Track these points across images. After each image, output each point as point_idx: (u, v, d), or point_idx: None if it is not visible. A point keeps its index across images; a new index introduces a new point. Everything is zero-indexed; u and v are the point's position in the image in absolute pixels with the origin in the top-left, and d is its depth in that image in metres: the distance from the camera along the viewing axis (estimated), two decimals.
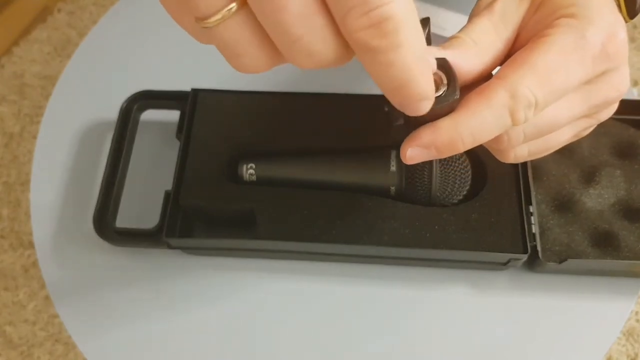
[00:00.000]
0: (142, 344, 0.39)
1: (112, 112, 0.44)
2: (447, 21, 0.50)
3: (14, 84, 1.09)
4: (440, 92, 0.24)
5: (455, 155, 0.38)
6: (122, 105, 0.44)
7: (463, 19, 0.52)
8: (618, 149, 0.42)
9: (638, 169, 0.41)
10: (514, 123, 0.23)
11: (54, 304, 0.41)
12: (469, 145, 0.24)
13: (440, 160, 0.37)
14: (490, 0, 0.27)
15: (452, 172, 0.37)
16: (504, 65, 0.24)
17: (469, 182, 0.38)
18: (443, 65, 0.24)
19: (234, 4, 0.17)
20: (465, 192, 0.38)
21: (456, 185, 0.37)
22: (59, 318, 0.41)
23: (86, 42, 0.53)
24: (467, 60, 0.25)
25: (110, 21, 0.54)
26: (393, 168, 0.38)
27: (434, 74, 0.24)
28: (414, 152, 0.25)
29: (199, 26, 0.18)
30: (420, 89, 0.19)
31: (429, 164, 0.37)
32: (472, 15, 0.28)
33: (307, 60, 0.18)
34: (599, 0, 0.24)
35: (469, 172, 0.38)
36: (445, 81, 0.24)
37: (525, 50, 0.24)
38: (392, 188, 0.38)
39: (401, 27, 0.16)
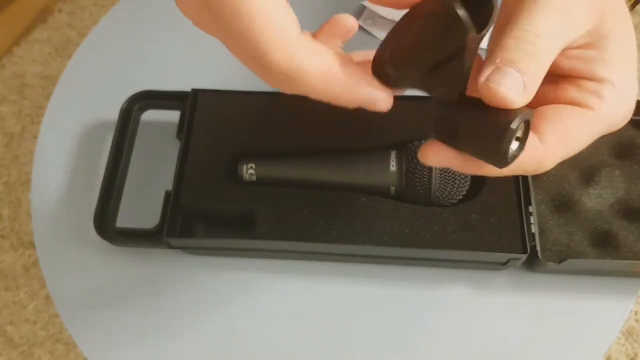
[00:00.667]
0: (142, 343, 0.40)
1: (112, 113, 0.44)
2: None
3: (14, 84, 1.10)
4: (512, 149, 0.22)
5: None
6: (123, 105, 0.44)
7: None
8: (617, 149, 0.42)
9: (637, 169, 0.41)
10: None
11: (55, 304, 0.41)
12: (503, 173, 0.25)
13: None
14: None
15: (452, 172, 0.37)
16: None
17: (468, 182, 0.38)
18: (527, 120, 0.22)
19: None
20: (464, 192, 0.38)
21: (456, 185, 0.37)
22: (60, 318, 0.41)
23: (87, 43, 0.53)
24: (538, 77, 0.23)
25: (111, 21, 0.54)
26: (393, 168, 0.38)
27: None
28: (443, 163, 0.26)
29: None
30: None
31: (428, 173, 0.37)
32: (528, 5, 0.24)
33: None
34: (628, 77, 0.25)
35: None
36: (521, 135, 0.23)
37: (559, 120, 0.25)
38: (392, 188, 0.38)
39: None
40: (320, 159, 0.40)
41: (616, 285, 0.40)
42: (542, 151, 0.24)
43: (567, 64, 0.26)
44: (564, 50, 0.24)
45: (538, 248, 0.37)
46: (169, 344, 0.39)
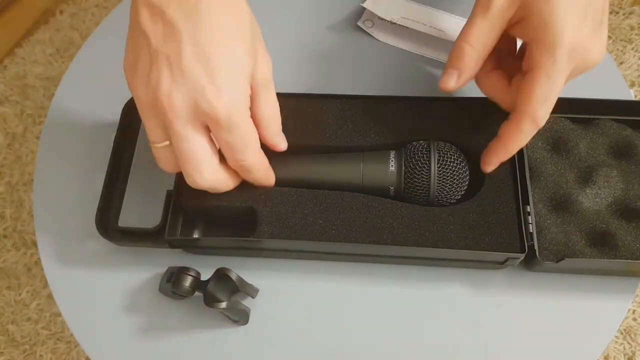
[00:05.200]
0: (143, 341, 0.40)
1: (114, 113, 0.44)
2: (446, 24, 0.50)
3: (16, 85, 1.10)
4: None
5: (453, 156, 0.38)
6: (125, 105, 0.44)
7: (461, 22, 0.52)
8: (615, 149, 0.42)
9: (635, 169, 0.41)
10: (535, 132, 0.36)
11: (57, 303, 0.41)
12: (514, 153, 0.38)
13: (438, 160, 0.37)
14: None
15: (450, 172, 0.38)
16: (517, 97, 0.35)
17: (466, 183, 0.38)
18: None
19: (167, 142, 0.33)
20: (463, 192, 0.39)
21: (454, 186, 0.38)
22: (62, 317, 0.41)
23: (89, 44, 0.53)
24: (471, 69, 0.37)
25: (113, 23, 0.54)
26: (392, 168, 0.38)
27: None
28: (490, 169, 0.39)
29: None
30: (262, 181, 0.38)
31: (427, 164, 0.37)
32: (473, 14, 0.36)
33: (200, 180, 0.34)
34: (563, 19, 0.33)
35: (467, 173, 0.38)
36: None
37: (527, 86, 0.34)
38: (391, 188, 0.39)
39: (252, 166, 0.35)
40: (320, 159, 0.40)
41: (614, 285, 0.40)
42: (525, 116, 0.35)
43: (519, 33, 0.36)
44: (514, 24, 0.35)
45: (536, 247, 0.37)
46: (171, 342, 0.40)
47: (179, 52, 0.30)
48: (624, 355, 0.85)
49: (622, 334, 0.86)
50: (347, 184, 0.39)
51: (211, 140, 0.33)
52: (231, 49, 0.31)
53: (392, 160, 0.39)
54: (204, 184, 0.34)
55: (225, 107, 0.30)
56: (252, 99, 0.33)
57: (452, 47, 0.37)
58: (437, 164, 0.37)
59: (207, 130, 0.32)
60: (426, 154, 0.38)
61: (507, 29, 0.36)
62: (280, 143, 0.37)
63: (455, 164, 0.38)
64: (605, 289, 0.40)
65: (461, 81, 0.37)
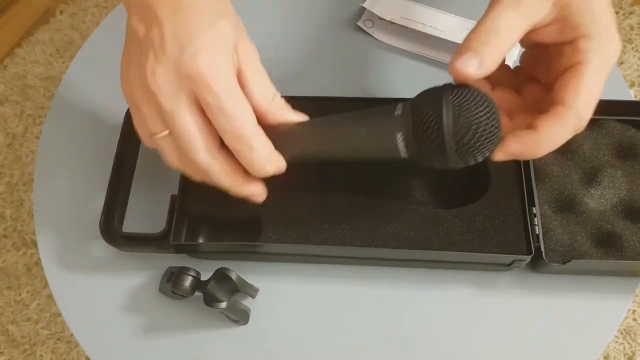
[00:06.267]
0: (143, 341, 0.40)
1: (114, 113, 0.44)
2: (446, 23, 0.50)
3: (16, 85, 1.10)
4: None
5: (474, 93, 0.30)
6: (127, 110, 0.44)
7: (461, 22, 0.52)
8: (619, 150, 0.42)
9: (639, 169, 0.41)
10: (575, 133, 0.31)
11: (57, 303, 0.41)
12: (542, 154, 0.32)
13: (453, 93, 0.29)
14: None
15: (467, 106, 0.29)
16: (561, 90, 0.31)
17: (497, 127, 0.29)
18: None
19: (167, 131, 0.32)
20: (495, 140, 0.29)
21: (475, 122, 0.28)
22: (62, 317, 0.41)
23: (89, 44, 0.53)
24: (494, 61, 0.31)
25: (113, 23, 0.54)
26: (398, 112, 0.31)
27: None
28: (501, 157, 0.31)
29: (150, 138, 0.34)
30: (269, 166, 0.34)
31: (437, 94, 0.30)
32: (497, 8, 0.31)
33: (197, 157, 0.32)
34: (606, 18, 0.31)
35: (496, 114, 0.29)
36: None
37: (574, 78, 0.31)
38: (398, 135, 0.30)
39: (250, 140, 0.32)
40: (323, 123, 0.34)
41: (614, 285, 0.40)
42: (569, 110, 0.30)
43: (551, 38, 0.32)
44: (542, 28, 0.32)
45: (542, 249, 0.37)
46: (172, 344, 0.40)
47: (161, 34, 0.31)
48: (624, 355, 0.85)
49: (622, 334, 0.86)
50: (348, 145, 0.33)
51: (208, 122, 0.32)
52: (211, 21, 0.31)
53: (398, 108, 0.31)
54: (201, 162, 0.32)
55: (204, 65, 0.30)
56: (240, 78, 0.32)
57: (471, 32, 0.30)
58: (451, 94, 0.29)
59: (201, 110, 0.31)
60: (436, 90, 0.31)
61: (529, 35, 0.32)
62: (286, 115, 0.34)
63: (474, 97, 0.29)
64: (606, 289, 0.40)
65: (481, 71, 0.30)
